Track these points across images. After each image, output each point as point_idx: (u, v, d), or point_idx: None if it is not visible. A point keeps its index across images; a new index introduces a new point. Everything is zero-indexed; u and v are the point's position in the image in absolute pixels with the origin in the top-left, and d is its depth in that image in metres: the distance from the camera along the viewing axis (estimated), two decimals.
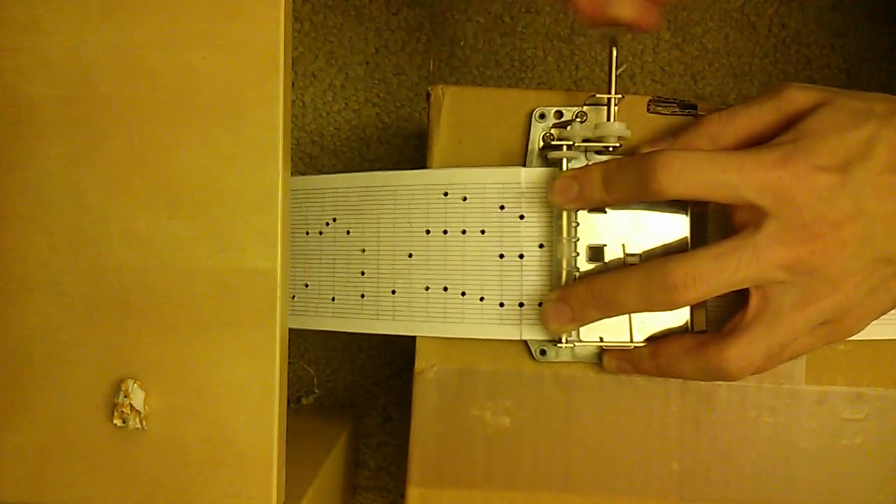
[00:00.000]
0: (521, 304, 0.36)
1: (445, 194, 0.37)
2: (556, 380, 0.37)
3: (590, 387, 0.37)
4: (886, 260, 0.31)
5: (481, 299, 0.37)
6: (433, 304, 0.37)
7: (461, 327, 0.37)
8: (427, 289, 0.37)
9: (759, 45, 0.57)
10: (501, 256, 0.36)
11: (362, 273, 0.39)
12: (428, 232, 0.37)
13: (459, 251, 0.37)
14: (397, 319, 0.38)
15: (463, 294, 0.37)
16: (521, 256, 0.36)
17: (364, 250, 0.39)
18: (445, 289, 0.37)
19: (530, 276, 0.36)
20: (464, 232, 0.37)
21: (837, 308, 0.31)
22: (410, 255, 0.38)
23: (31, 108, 0.35)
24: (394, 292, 0.38)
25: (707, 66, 0.57)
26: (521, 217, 0.36)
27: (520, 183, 0.36)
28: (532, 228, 0.36)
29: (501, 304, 0.37)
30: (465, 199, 0.37)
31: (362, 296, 0.39)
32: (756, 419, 0.37)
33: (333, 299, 0.40)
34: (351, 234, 0.39)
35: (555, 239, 0.36)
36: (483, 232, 0.36)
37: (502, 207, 0.36)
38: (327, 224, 0.40)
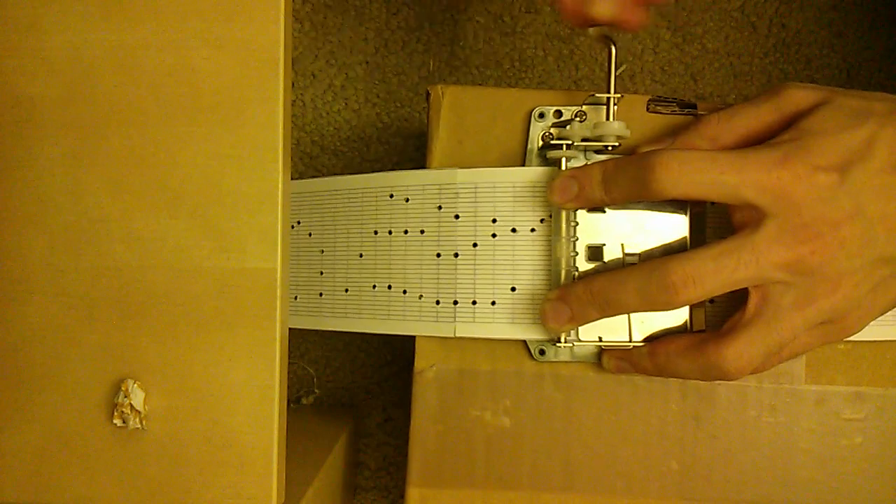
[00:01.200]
0: (455, 302, 0.37)
1: (391, 196, 0.38)
2: (556, 380, 0.37)
3: (589, 386, 0.37)
4: (886, 260, 0.31)
5: (420, 297, 0.38)
6: (379, 302, 0.39)
7: (401, 324, 0.38)
8: (374, 287, 0.39)
9: (759, 45, 0.57)
10: (438, 256, 0.37)
11: (321, 273, 0.41)
12: (376, 233, 0.39)
13: (402, 251, 0.38)
14: (349, 317, 0.40)
15: (405, 292, 0.38)
16: (456, 255, 0.37)
17: (323, 251, 0.41)
18: (389, 287, 0.38)
19: (465, 275, 0.37)
20: (406, 232, 0.38)
21: (837, 308, 0.31)
22: (361, 255, 0.39)
23: (31, 108, 0.35)
24: (347, 291, 0.40)
25: (707, 66, 0.57)
26: (457, 217, 0.37)
27: (455, 184, 0.37)
28: (467, 227, 0.37)
29: (437, 302, 0.37)
30: (407, 200, 0.38)
31: (321, 294, 0.40)
32: (756, 419, 0.37)
33: (296, 298, 0.41)
34: (312, 235, 0.41)
35: (554, 237, 0.36)
36: (422, 232, 0.38)
37: (440, 208, 0.37)
38: (293, 227, 0.42)
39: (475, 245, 0.37)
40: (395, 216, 0.38)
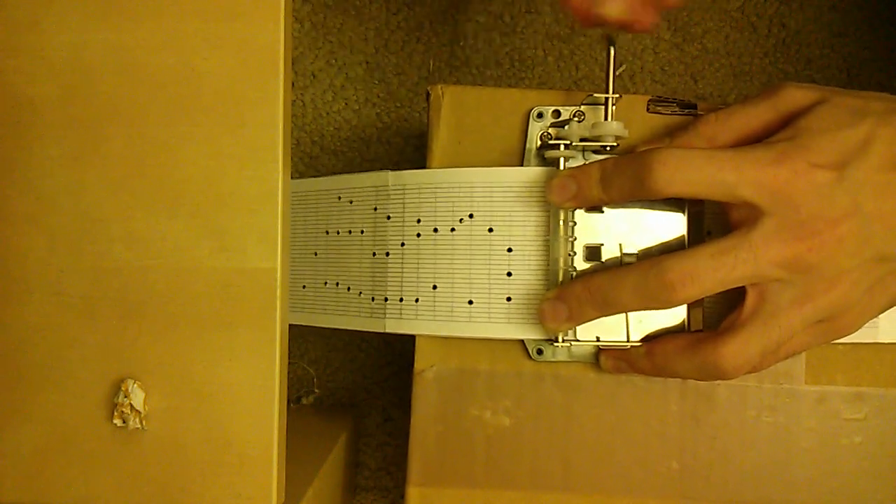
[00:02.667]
0: (385, 299, 0.38)
1: (339, 198, 0.40)
2: (556, 379, 0.37)
3: (589, 386, 0.37)
4: (884, 258, 0.31)
5: (360, 294, 0.39)
6: (329, 298, 0.40)
7: (342, 319, 0.40)
8: (325, 284, 0.41)
9: (759, 45, 0.57)
10: (374, 255, 0.39)
11: None
12: (327, 233, 0.41)
13: (347, 250, 0.40)
14: (305, 311, 0.42)
15: (348, 289, 0.39)
16: (388, 254, 0.38)
17: None
18: (337, 284, 0.40)
19: (394, 273, 0.38)
20: (350, 232, 0.40)
21: (834, 306, 0.31)
22: (316, 254, 0.41)
23: (32, 108, 0.36)
24: (304, 287, 0.41)
25: (707, 66, 0.57)
26: (388, 217, 0.38)
27: (387, 186, 0.38)
28: (396, 228, 0.38)
29: (372, 299, 0.38)
30: (351, 202, 0.39)
31: None
32: (756, 419, 0.37)
33: None
34: None
35: (552, 238, 0.36)
36: (362, 232, 0.39)
37: (375, 209, 0.39)
38: None
39: (403, 244, 0.38)
40: (342, 217, 0.40)
